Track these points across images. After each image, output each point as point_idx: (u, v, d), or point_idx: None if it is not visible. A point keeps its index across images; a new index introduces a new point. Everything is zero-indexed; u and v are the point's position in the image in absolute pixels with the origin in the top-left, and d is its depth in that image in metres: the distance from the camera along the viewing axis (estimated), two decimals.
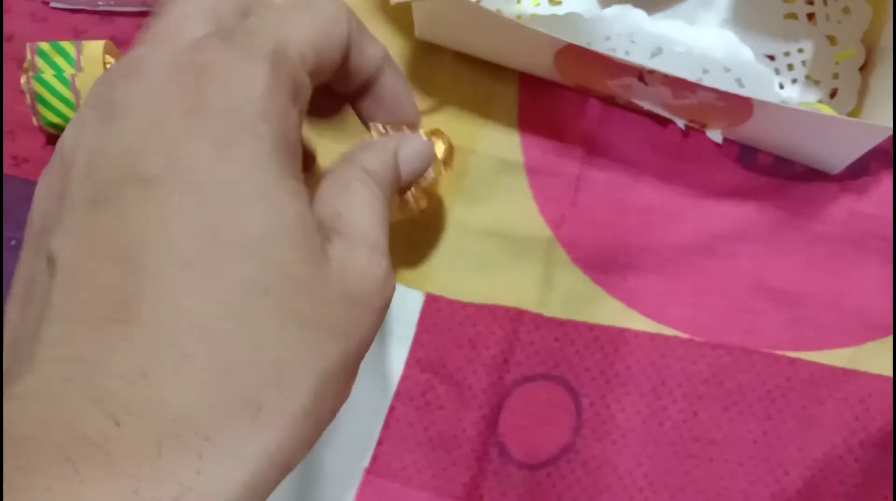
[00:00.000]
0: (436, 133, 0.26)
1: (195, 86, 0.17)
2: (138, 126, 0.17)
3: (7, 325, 0.18)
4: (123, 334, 0.16)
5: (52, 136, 0.32)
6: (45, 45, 0.31)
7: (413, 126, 0.24)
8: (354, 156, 0.21)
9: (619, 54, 0.28)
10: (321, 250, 0.18)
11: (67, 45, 0.31)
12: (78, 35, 0.33)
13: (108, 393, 0.15)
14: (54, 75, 0.30)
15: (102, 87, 0.19)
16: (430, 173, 0.24)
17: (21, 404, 0.15)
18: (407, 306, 0.30)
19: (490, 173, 0.31)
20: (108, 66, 0.31)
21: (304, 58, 0.19)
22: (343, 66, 0.21)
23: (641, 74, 0.26)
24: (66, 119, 0.31)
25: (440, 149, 0.26)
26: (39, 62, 0.31)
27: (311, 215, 0.18)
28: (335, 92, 0.23)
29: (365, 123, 0.23)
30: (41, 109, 0.31)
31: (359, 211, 0.20)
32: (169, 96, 0.17)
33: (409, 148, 0.23)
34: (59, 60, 0.31)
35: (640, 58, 0.28)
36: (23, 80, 0.31)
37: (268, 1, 0.21)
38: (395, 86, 0.23)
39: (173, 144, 0.17)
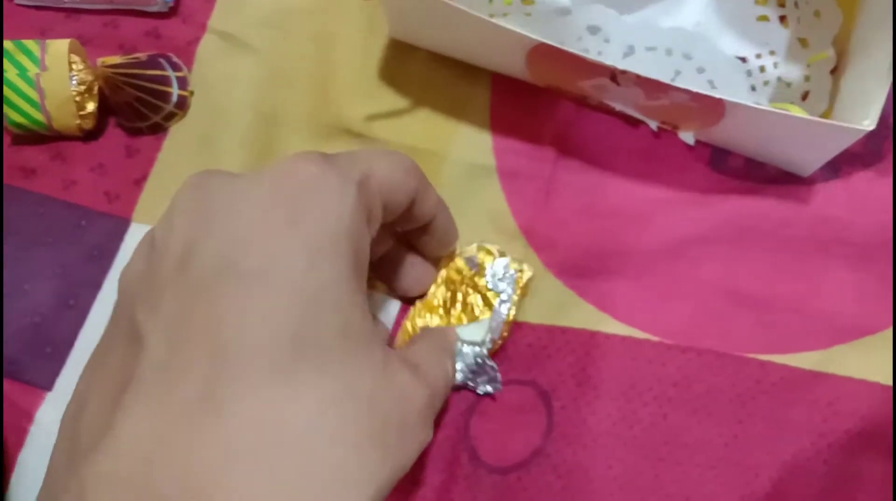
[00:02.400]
0: (520, 262, 0.29)
1: (296, 197, 0.19)
2: (241, 223, 0.19)
3: (77, 389, 0.20)
4: (206, 424, 0.17)
5: (17, 136, 0.32)
6: (8, 44, 0.30)
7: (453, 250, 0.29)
8: (420, 350, 0.26)
9: (592, 54, 0.28)
10: (385, 366, 0.20)
11: (31, 44, 0.30)
12: (43, 33, 0.33)
13: (193, 481, 0.16)
14: (18, 75, 0.30)
15: (205, 177, 0.20)
16: (511, 310, 0.28)
17: (106, 482, 0.16)
18: (387, 311, 0.30)
19: (463, 178, 0.31)
20: (73, 65, 0.30)
21: (381, 192, 0.21)
22: (408, 211, 0.24)
23: (614, 75, 0.26)
24: (31, 119, 0.30)
25: (524, 277, 0.29)
26: (3, 61, 0.30)
27: (376, 331, 0.21)
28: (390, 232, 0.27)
29: (421, 253, 0.28)
30: (5, 109, 0.30)
31: (431, 366, 0.24)
32: (272, 201, 0.19)
33: (451, 339, 0.28)
34: (23, 59, 0.30)
35: (612, 58, 0.28)
36: None
37: None
38: (445, 225, 0.27)
39: (273, 249, 0.18)
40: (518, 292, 0.29)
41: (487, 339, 0.28)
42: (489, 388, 0.28)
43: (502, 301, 0.28)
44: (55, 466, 0.19)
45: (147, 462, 0.16)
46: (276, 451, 0.17)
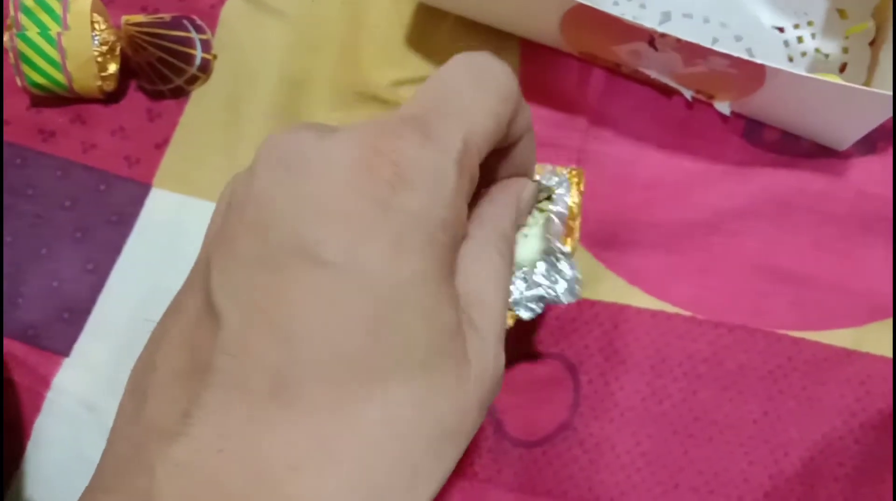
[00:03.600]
0: (571, 174, 0.25)
1: (388, 179, 0.17)
2: (323, 200, 0.17)
3: (148, 349, 0.18)
4: (279, 419, 0.16)
5: (37, 97, 0.31)
6: (29, 1, 0.29)
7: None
8: (484, 213, 0.21)
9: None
10: (466, 358, 0.18)
11: (53, 2, 0.30)
12: None
13: (262, 479, 0.16)
14: (39, 33, 0.29)
15: (294, 137, 0.18)
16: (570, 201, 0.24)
17: (178, 473, 0.16)
18: None
19: None
20: (95, 24, 0.29)
21: (480, 150, 0.19)
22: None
23: (652, 39, 0.26)
24: (52, 80, 0.30)
25: (575, 197, 0.24)
26: (23, 19, 0.29)
27: (461, 323, 0.18)
28: None
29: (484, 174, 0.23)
30: (25, 68, 0.29)
31: (492, 289, 0.20)
32: (359, 181, 0.17)
33: (527, 194, 0.23)
34: (44, 17, 0.29)
35: (649, 24, 0.27)
36: (6, 37, 0.29)
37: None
38: (528, 151, 0.23)
39: (356, 237, 0.17)
40: (572, 186, 0.24)
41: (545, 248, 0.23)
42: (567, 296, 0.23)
43: (556, 199, 0.24)
44: (121, 436, 0.18)
45: (218, 454, 0.16)
46: (345, 452, 0.16)
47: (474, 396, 0.18)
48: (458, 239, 0.18)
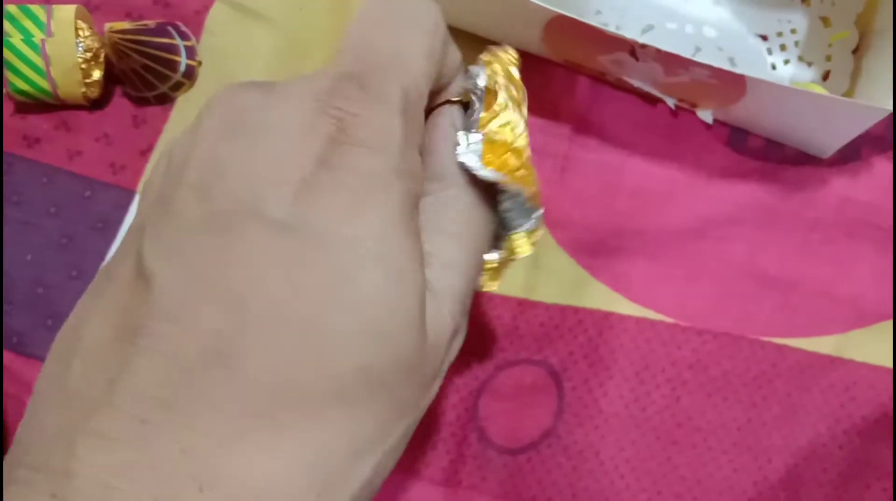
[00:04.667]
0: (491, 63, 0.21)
1: (334, 137, 0.16)
2: (269, 158, 0.16)
3: (76, 316, 0.17)
4: (219, 390, 0.15)
5: (21, 104, 0.31)
6: (13, 8, 0.29)
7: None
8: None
9: (611, 29, 0.27)
10: (424, 324, 0.17)
11: (37, 9, 0.30)
12: None
13: (197, 454, 0.14)
14: (23, 40, 0.29)
15: (239, 92, 0.17)
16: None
17: (102, 446, 0.14)
18: None
19: None
20: (79, 31, 0.29)
21: (422, 94, 0.18)
22: None
23: (633, 49, 0.26)
24: (36, 87, 0.30)
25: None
26: (7, 26, 0.29)
27: (424, 282, 0.17)
28: None
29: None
30: (9, 75, 0.29)
31: (452, 249, 0.19)
32: (305, 139, 0.16)
33: (458, 122, 0.21)
34: (28, 24, 0.29)
35: (631, 33, 0.27)
36: None
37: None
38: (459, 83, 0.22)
39: (306, 195, 0.16)
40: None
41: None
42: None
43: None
44: (44, 403, 0.16)
45: (144, 426, 0.15)
46: (290, 424, 0.15)
47: (428, 367, 0.17)
48: (416, 191, 0.18)
